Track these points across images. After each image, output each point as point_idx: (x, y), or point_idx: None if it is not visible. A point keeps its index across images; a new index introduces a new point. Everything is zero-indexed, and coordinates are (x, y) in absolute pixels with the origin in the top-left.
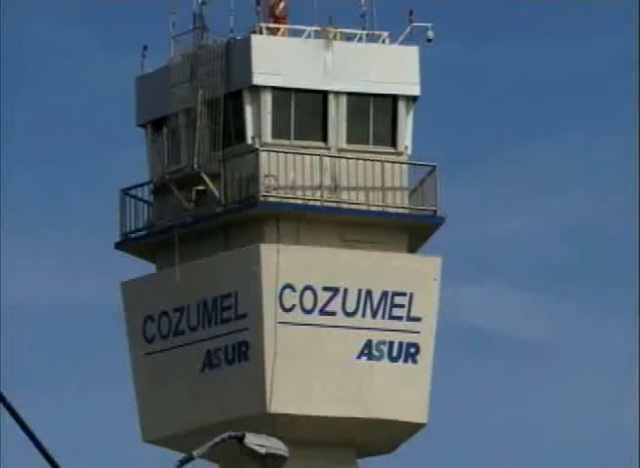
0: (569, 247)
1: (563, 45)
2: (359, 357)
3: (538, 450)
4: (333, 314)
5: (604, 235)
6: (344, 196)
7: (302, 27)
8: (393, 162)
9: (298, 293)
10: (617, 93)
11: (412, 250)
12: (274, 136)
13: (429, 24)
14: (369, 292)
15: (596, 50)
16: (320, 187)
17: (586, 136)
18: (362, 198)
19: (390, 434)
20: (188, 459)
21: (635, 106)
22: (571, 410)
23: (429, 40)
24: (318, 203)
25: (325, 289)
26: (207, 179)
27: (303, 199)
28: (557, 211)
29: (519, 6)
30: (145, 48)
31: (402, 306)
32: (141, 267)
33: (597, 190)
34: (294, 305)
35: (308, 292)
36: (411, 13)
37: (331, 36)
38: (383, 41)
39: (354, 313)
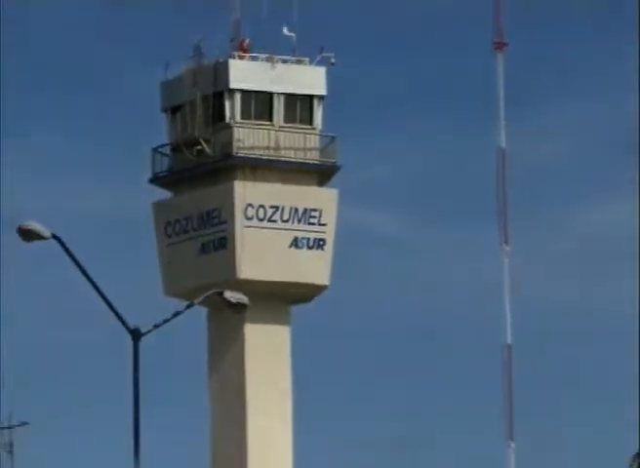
0: (432, 188)
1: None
2: (290, 246)
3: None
4: (275, 221)
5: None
6: (283, 153)
7: (258, 55)
8: (311, 134)
9: (255, 209)
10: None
11: (321, 185)
12: (242, 118)
13: (332, 54)
14: (296, 209)
15: (457, 65)
16: (268, 148)
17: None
18: (292, 154)
19: (309, 291)
20: (190, 305)
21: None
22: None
23: (332, 63)
24: (267, 157)
25: (271, 206)
26: (203, 143)
27: (260, 155)
28: (419, 163)
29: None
30: (167, 65)
31: (315, 217)
32: (164, 194)
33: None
34: (253, 216)
35: (261, 209)
36: (322, 46)
37: (274, 60)
38: (305, 63)
39: (287, 221)
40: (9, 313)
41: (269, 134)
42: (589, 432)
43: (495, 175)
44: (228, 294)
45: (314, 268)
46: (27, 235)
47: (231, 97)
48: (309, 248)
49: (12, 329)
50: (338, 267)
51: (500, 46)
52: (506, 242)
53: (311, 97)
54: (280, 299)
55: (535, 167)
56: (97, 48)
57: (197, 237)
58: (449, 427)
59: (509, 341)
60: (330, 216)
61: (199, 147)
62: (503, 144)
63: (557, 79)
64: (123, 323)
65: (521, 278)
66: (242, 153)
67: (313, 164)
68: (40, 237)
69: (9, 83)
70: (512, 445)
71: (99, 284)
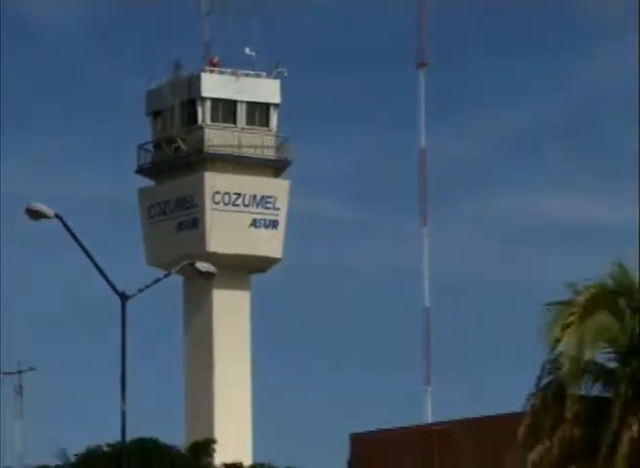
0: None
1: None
2: (250, 226)
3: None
4: (238, 205)
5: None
6: (244, 150)
7: (225, 70)
8: (268, 134)
9: (222, 196)
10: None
11: (276, 176)
12: (211, 121)
13: (285, 69)
14: (255, 196)
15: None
16: (233, 146)
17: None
18: (252, 151)
19: (265, 262)
20: (168, 274)
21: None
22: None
23: (285, 77)
24: (232, 153)
25: (234, 193)
26: (179, 141)
27: (225, 152)
28: (356, 159)
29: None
30: (151, 77)
31: (270, 202)
32: (147, 182)
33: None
34: (220, 201)
35: (227, 195)
36: (277, 63)
37: (238, 74)
38: (263, 77)
39: (248, 205)
40: (22, 280)
41: (234, 134)
42: (495, 376)
43: (416, 170)
44: (199, 265)
45: (270, 244)
46: (34, 214)
47: (203, 104)
48: (266, 227)
49: (23, 292)
50: (289, 243)
51: (421, 65)
52: (425, 224)
53: (268, 104)
54: (242, 269)
55: (448, 164)
56: (95, 62)
57: (174, 218)
58: (376, 373)
59: (427, 304)
60: (282, 202)
61: (176, 144)
62: (423, 145)
63: (469, 93)
64: (113, 287)
65: (436, 253)
66: (211, 150)
67: (269, 159)
68: (45, 216)
69: (24, 86)
70: (429, 389)
71: (93, 255)
